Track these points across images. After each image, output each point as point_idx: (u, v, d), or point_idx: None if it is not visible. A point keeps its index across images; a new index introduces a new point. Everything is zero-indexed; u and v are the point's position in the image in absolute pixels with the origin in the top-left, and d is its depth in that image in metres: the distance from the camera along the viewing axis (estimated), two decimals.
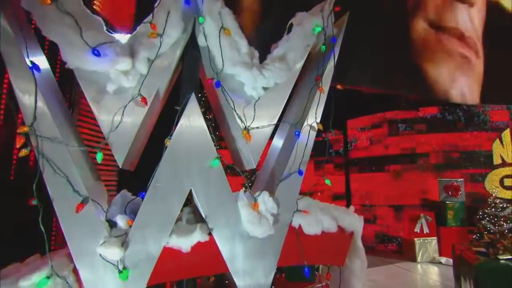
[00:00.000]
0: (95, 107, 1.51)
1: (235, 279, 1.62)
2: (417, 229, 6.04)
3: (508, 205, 4.93)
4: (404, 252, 6.26)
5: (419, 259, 5.89)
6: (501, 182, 6.31)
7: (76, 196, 1.41)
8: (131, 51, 1.55)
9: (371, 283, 4.77)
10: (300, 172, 1.74)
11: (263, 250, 1.66)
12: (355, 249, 1.95)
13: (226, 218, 1.62)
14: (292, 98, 2.10)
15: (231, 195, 1.65)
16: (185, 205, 1.74)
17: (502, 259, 2.10)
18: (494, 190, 5.28)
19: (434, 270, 5.46)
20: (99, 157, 1.45)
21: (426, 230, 5.98)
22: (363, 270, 1.99)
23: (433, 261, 5.83)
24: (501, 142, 6.43)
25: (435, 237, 5.97)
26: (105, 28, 1.59)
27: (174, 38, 1.65)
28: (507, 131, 6.41)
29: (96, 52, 1.44)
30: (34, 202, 1.30)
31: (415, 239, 5.90)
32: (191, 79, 1.81)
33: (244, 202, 1.63)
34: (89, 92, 1.51)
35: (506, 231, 4.74)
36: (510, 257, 2.08)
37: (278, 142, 2.05)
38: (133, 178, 1.98)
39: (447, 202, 6.04)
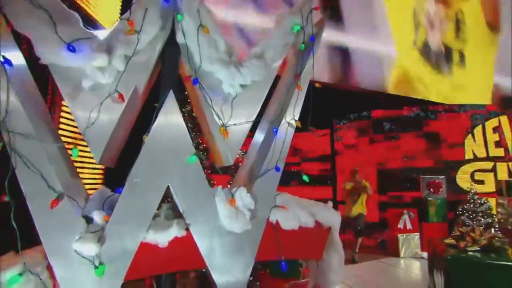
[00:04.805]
0: (71, 103, 1.51)
1: (212, 274, 1.64)
2: (400, 225, 6.20)
3: (485, 201, 5.09)
4: (388, 247, 6.41)
5: (402, 254, 6.05)
6: (472, 176, 6.59)
7: (51, 192, 1.40)
8: (108, 48, 1.55)
9: (356, 278, 4.87)
10: (277, 169, 1.78)
11: (240, 245, 1.69)
12: (332, 244, 2.00)
13: (203, 213, 1.64)
14: (272, 96, 2.14)
15: (209, 191, 1.67)
16: (164, 201, 1.75)
17: (470, 251, 2.19)
18: (472, 186, 5.45)
19: (416, 265, 5.61)
20: (75, 153, 1.45)
21: (409, 226, 6.13)
22: (341, 264, 2.04)
23: (415, 256, 5.99)
24: (473, 138, 6.68)
25: (418, 233, 6.14)
26: (81, 23, 1.58)
27: (151, 35, 1.66)
28: (479, 127, 6.66)
29: (71, 48, 1.43)
30: (6, 198, 1.29)
31: (398, 235, 6.05)
32: (170, 76, 1.81)
33: (221, 198, 1.65)
34: (65, 88, 1.50)
35: (483, 225, 4.91)
36: (478, 248, 2.17)
37: (258, 139, 2.08)
38: (119, 175, 1.97)
39: (429, 198, 6.21)
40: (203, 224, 1.63)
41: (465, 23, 7.83)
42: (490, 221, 5.16)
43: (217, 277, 1.65)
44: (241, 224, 1.62)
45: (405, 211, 6.15)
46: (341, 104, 7.03)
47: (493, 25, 8.30)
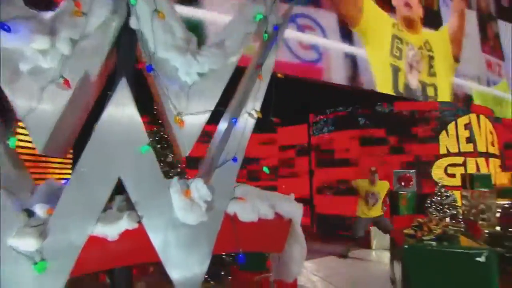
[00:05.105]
0: (8, 89, 1.40)
1: (167, 269, 1.58)
2: None
3: (451, 194, 5.31)
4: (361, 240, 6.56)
5: (374, 246, 6.20)
6: (445, 170, 6.86)
7: None
8: (51, 29, 1.44)
9: (328, 270, 4.96)
10: (235, 159, 1.74)
11: (197, 238, 1.65)
12: (294, 236, 1.99)
13: (157, 205, 1.58)
14: (238, 86, 2.10)
15: (163, 182, 1.61)
16: (120, 193, 1.68)
17: (426, 240, 2.27)
18: (440, 180, 5.66)
19: (386, 256, 5.76)
20: (12, 142, 1.35)
21: None
22: (303, 256, 2.04)
23: (386, 248, 6.15)
24: (447, 133, 6.95)
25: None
26: (23, 2, 1.47)
27: (101, 18, 1.57)
28: (452, 124, 6.92)
29: (6, 27, 1.32)
30: None
31: (371, 227, 6.19)
32: (126, 63, 1.73)
33: (176, 189, 1.60)
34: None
35: (449, 217, 5.13)
36: (434, 237, 2.25)
37: (222, 129, 2.03)
38: None
39: (400, 192, 6.39)
40: (157, 216, 1.57)
41: (434, 57, 8.87)
42: (455, 212, 5.41)
43: (172, 272, 1.60)
44: (196, 216, 1.58)
45: None
46: (318, 99, 7.11)
47: (457, 57, 9.64)
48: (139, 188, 1.56)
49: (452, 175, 6.81)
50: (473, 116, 7.27)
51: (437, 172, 6.84)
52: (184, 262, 1.62)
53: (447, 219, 2.85)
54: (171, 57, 1.65)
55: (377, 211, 5.42)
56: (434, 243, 2.23)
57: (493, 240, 2.43)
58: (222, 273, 3.57)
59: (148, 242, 1.55)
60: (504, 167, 7.78)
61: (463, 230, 4.76)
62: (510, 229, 2.38)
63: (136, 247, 1.54)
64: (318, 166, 7.80)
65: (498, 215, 3.29)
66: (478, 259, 2.04)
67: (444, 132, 6.97)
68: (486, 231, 2.87)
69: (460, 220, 5.12)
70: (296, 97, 7.16)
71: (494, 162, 7.46)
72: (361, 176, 6.97)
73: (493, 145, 7.58)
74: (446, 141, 6.97)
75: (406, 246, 2.24)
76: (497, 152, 7.67)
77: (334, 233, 7.24)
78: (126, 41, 1.74)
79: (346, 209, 7.15)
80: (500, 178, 6.79)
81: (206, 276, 3.49)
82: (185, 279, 1.62)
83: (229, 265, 3.58)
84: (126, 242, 1.51)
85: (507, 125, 8.80)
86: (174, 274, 1.60)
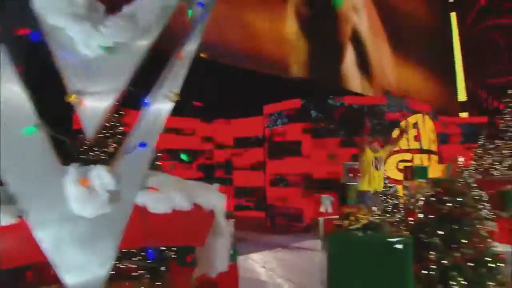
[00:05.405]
0: None
1: (58, 272, 1.35)
2: (322, 209, 6.49)
3: (394, 185, 5.62)
4: (312, 230, 6.72)
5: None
6: (397, 165, 7.24)
7: None
8: None
9: (277, 261, 4.99)
10: (142, 145, 1.56)
11: (97, 233, 1.45)
12: (217, 228, 1.88)
13: (45, 196, 1.36)
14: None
15: (55, 169, 1.39)
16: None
17: (352, 230, 2.31)
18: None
19: None
20: None
21: (329, 209, 6.45)
22: (228, 249, 1.95)
23: None
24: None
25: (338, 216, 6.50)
26: None
27: None
28: (403, 123, 7.32)
29: None
30: None
31: (319, 218, 6.34)
32: (8, 28, 1.46)
33: (71, 178, 1.39)
34: None
35: (391, 206, 5.42)
36: (360, 227, 2.30)
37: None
38: None
39: (348, 183, 6.61)
40: (45, 210, 1.35)
41: None
42: (396, 202, 5.74)
43: (66, 276, 1.36)
44: (94, 207, 1.39)
45: (323, 196, 6.43)
46: (272, 91, 7.08)
47: None
48: (22, 177, 1.33)
49: (402, 170, 7.18)
50: (419, 117, 7.75)
51: (389, 167, 7.14)
52: (81, 263, 1.41)
53: (375, 209, 2.96)
54: (66, 25, 1.42)
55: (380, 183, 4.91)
56: (359, 233, 2.27)
57: (416, 227, 2.56)
58: (163, 268, 3.38)
59: (32, 240, 1.33)
60: (440, 161, 8.43)
61: (403, 218, 5.09)
62: (429, 216, 2.52)
63: (15, 247, 1.31)
64: (271, 158, 7.82)
65: (421, 203, 3.50)
66: (395, 246, 2.11)
67: (397, 130, 7.30)
68: (411, 219, 3.04)
69: (401, 209, 5.44)
70: (251, 89, 7.08)
71: (434, 158, 8.06)
72: (312, 167, 7.15)
73: (434, 143, 8.18)
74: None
75: (331, 236, 2.25)
76: (436, 149, 8.31)
77: (285, 224, 7.33)
78: (12, 3, 1.47)
79: (297, 201, 7.28)
80: (436, 171, 7.34)
81: (143, 272, 3.29)
82: (83, 282, 1.40)
83: (169, 260, 3.41)
84: (3, 242, 1.28)
85: (442, 121, 9.55)
86: (69, 278, 1.37)
